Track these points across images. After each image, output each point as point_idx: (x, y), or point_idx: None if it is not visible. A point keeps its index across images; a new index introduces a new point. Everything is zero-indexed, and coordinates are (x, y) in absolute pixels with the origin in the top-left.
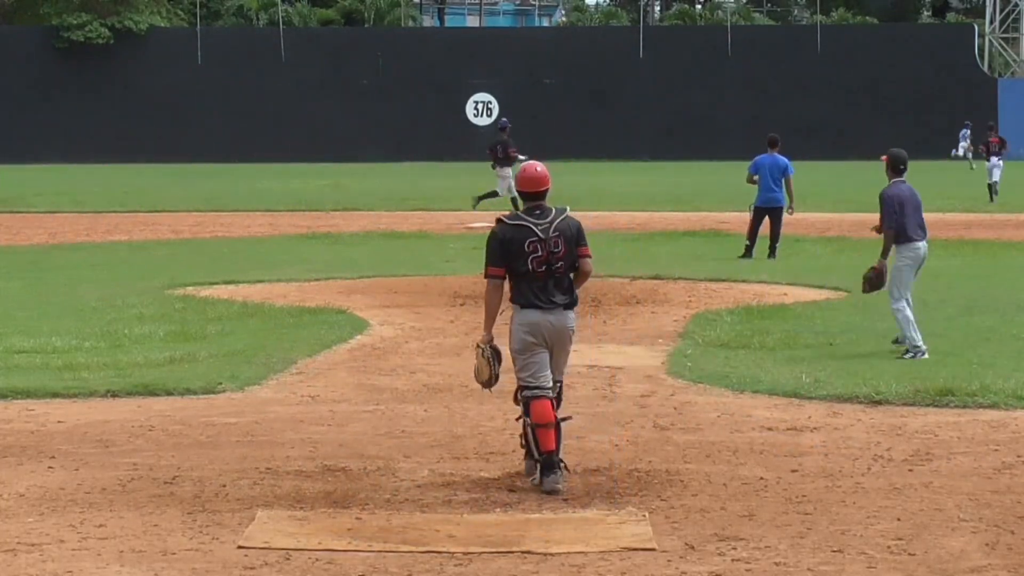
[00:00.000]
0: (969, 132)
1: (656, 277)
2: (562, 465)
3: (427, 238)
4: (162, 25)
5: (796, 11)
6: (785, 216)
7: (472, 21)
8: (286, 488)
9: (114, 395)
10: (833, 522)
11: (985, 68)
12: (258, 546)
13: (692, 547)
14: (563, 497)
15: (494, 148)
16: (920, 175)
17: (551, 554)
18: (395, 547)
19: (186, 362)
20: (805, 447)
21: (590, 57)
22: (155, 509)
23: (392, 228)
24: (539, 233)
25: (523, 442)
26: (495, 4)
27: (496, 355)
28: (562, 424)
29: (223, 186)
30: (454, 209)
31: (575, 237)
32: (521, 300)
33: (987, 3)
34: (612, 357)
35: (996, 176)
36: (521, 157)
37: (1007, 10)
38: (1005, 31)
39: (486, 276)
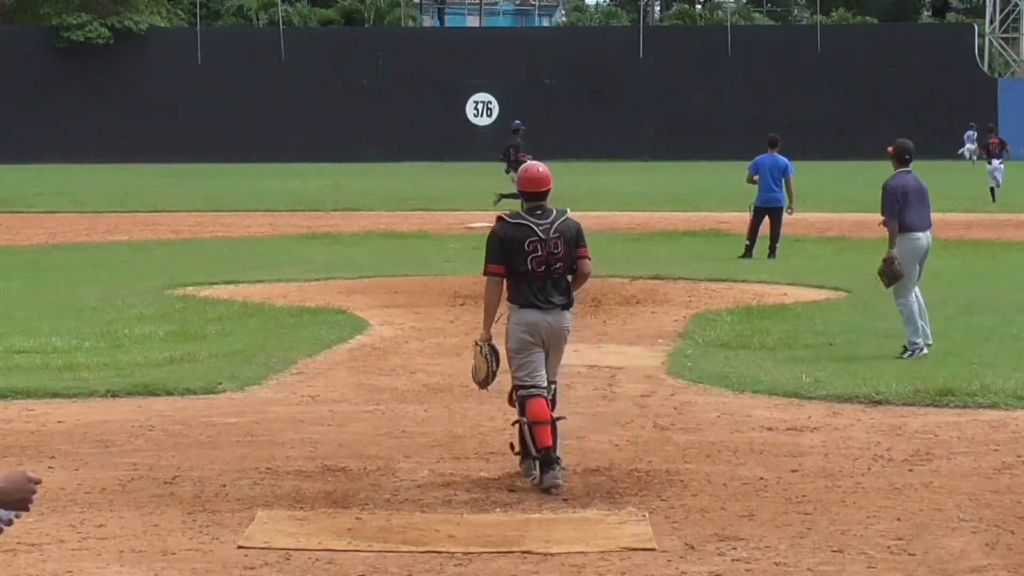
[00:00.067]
0: (975, 134)
1: (656, 277)
2: (559, 463)
3: (427, 238)
4: (162, 25)
5: (796, 11)
6: (785, 216)
7: (472, 21)
8: (286, 488)
9: (114, 395)
10: (833, 522)
11: (985, 68)
12: (258, 546)
13: (692, 547)
14: (563, 497)
15: (507, 151)
16: (920, 175)
17: (551, 554)
18: (395, 547)
19: (186, 362)
20: (805, 447)
21: (590, 57)
22: (155, 509)
23: (392, 228)
24: (540, 233)
25: (516, 448)
26: (495, 4)
27: (494, 353)
28: (558, 423)
29: (223, 186)
30: (454, 209)
31: (575, 238)
32: (520, 300)
33: (987, 3)
34: (612, 357)
35: (999, 179)
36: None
37: (1007, 10)
38: (1005, 31)
39: (485, 274)
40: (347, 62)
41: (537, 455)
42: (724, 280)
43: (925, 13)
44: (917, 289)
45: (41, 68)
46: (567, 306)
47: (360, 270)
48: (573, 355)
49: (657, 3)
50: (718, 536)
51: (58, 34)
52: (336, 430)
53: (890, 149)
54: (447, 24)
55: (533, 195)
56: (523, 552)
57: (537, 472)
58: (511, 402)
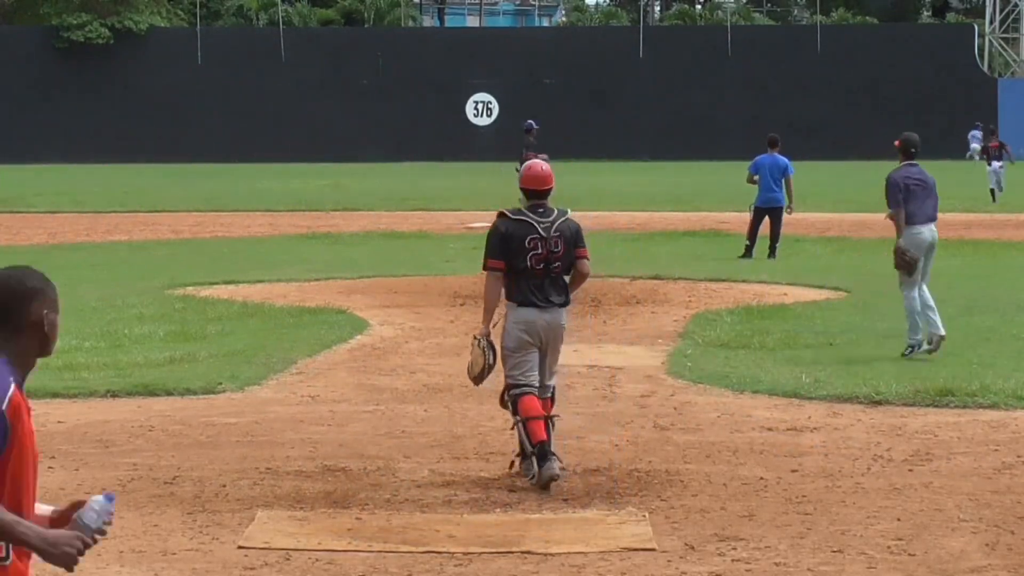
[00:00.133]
0: (981, 134)
1: (656, 277)
2: (557, 459)
3: (427, 238)
4: (162, 25)
5: (796, 11)
6: (785, 216)
7: (472, 21)
8: (286, 488)
9: (114, 395)
10: (833, 522)
11: (985, 68)
12: (258, 546)
13: (692, 547)
14: (563, 497)
15: (522, 152)
16: None
17: (551, 554)
18: (395, 547)
19: (186, 362)
20: (805, 447)
21: (590, 57)
22: (155, 509)
23: (392, 228)
24: (541, 231)
25: (515, 465)
26: (495, 4)
27: (492, 348)
28: (554, 422)
29: (223, 186)
30: (454, 209)
31: (574, 238)
32: (518, 297)
33: (987, 3)
34: (612, 357)
35: (1001, 183)
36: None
37: (1007, 10)
38: (1005, 31)
39: (485, 268)
40: (347, 62)
41: (532, 450)
42: (724, 280)
43: (925, 13)
44: (924, 284)
45: (41, 68)
46: (564, 304)
47: (360, 270)
48: (573, 355)
49: (657, 3)
50: (718, 536)
51: (58, 34)
52: (336, 430)
53: (896, 143)
54: (447, 24)
55: (535, 193)
56: (523, 552)
57: (535, 469)
58: (503, 403)
